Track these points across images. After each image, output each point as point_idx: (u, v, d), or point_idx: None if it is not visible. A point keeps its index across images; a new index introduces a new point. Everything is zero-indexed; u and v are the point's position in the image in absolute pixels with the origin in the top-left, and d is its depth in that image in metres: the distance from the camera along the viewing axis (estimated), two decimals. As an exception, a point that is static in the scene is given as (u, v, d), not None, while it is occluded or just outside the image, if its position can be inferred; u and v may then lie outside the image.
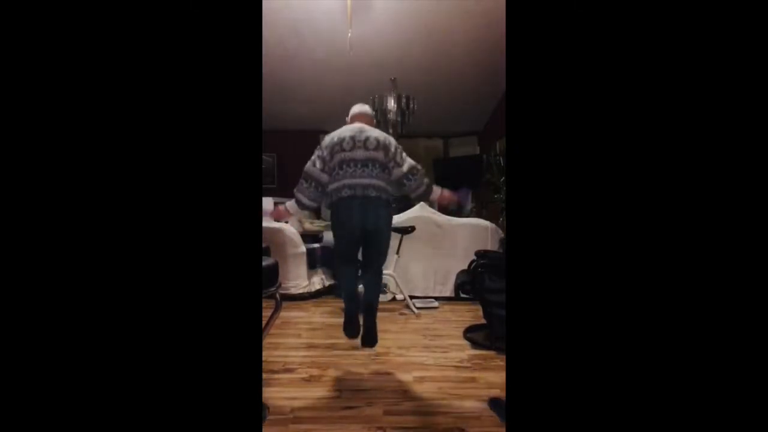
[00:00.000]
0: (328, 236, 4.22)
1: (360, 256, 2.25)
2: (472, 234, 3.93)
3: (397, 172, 2.17)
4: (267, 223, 3.91)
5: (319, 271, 4.19)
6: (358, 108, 2.37)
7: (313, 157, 2.17)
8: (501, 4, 3.63)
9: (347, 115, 2.39)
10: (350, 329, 2.18)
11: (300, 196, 2.19)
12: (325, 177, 2.13)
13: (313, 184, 2.15)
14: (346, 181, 2.05)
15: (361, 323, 2.18)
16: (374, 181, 2.07)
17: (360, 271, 2.27)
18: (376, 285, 2.25)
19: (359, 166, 2.07)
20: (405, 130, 4.62)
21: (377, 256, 2.22)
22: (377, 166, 2.10)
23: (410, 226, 3.64)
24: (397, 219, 3.93)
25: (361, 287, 2.30)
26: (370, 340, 2.15)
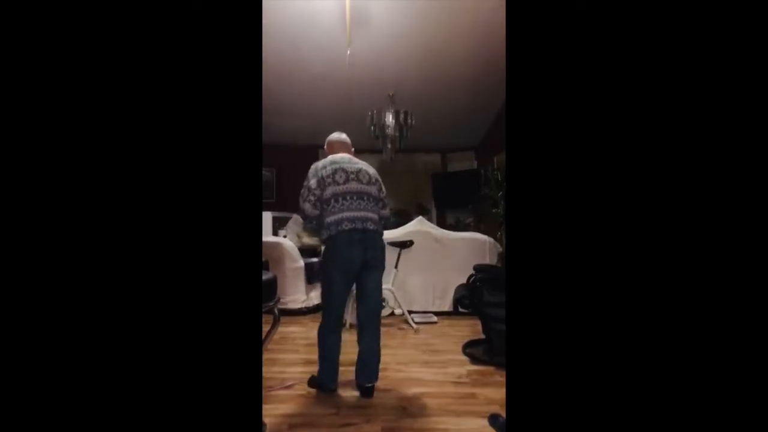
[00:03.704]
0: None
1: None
2: (470, 248, 3.93)
3: (384, 210, 2.23)
4: (265, 237, 3.91)
5: (318, 285, 4.17)
6: (337, 136, 2.33)
7: (304, 192, 2.09)
8: (498, 21, 3.69)
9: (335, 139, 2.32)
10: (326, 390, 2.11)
11: (308, 222, 2.20)
12: (317, 212, 2.09)
13: (313, 221, 2.14)
14: (345, 214, 2.03)
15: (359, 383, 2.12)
16: (370, 214, 2.09)
17: (357, 323, 2.18)
18: (377, 353, 2.13)
19: (355, 198, 2.07)
20: (403, 145, 4.65)
21: (374, 291, 2.15)
22: (371, 199, 2.12)
23: (408, 240, 3.65)
24: (396, 233, 3.93)
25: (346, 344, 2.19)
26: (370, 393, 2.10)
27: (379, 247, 2.12)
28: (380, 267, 2.16)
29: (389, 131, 4.46)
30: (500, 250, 4.08)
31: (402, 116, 4.43)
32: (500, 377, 2.31)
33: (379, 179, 2.24)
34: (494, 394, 2.07)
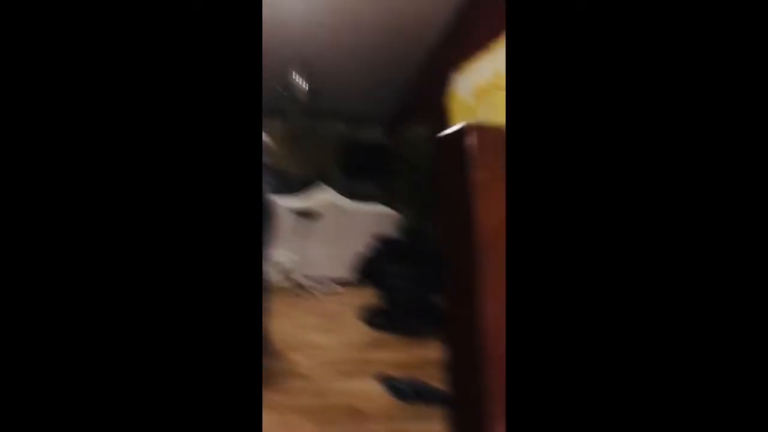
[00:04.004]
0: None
1: None
2: (375, 220, 3.96)
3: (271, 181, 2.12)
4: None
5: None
6: None
7: None
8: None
9: None
10: None
11: None
12: None
13: None
14: None
15: None
16: None
17: None
18: None
19: None
20: (309, 110, 4.50)
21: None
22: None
23: (312, 209, 3.57)
24: (300, 201, 3.82)
25: None
26: None
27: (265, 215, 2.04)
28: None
29: (294, 95, 4.28)
30: (403, 222, 4.16)
31: (309, 79, 4.27)
32: (398, 343, 2.37)
33: (270, 145, 2.13)
34: (389, 358, 2.12)
